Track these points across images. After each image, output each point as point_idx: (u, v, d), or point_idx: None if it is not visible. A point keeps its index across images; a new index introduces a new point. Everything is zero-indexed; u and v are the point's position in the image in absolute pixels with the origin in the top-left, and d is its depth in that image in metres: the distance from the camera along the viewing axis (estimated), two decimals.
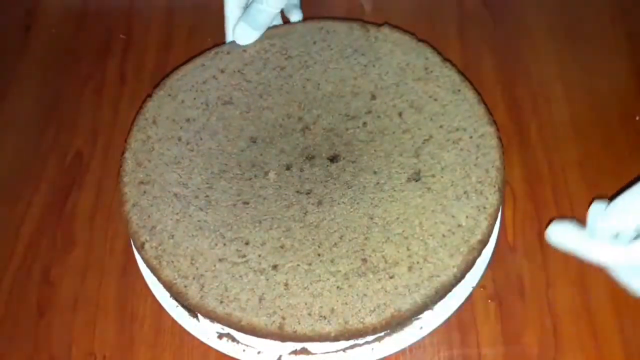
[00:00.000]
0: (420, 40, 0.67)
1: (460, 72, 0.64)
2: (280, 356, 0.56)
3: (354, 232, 0.55)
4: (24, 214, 0.69)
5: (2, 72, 0.81)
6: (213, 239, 0.56)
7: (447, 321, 0.57)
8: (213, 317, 0.53)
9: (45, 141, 0.74)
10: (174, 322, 0.59)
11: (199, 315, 0.57)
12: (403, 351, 0.57)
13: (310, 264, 0.54)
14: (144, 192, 0.59)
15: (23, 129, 0.76)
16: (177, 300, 0.56)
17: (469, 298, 0.58)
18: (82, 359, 0.61)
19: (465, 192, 0.57)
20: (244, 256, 0.55)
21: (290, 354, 0.56)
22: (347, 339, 0.53)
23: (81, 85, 0.78)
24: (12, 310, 0.64)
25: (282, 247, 0.55)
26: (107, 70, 0.79)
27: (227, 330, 0.56)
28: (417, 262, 0.53)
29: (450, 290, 0.54)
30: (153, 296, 0.60)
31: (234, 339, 0.57)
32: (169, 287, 0.55)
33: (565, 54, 0.76)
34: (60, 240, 0.67)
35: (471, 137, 0.60)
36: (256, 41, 0.68)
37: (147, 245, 0.56)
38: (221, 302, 0.53)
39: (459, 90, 0.63)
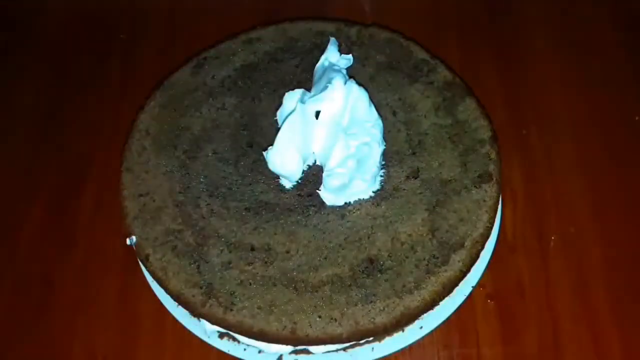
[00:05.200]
0: (408, 38, 0.67)
1: (450, 68, 0.65)
2: (281, 355, 0.56)
3: (358, 233, 0.56)
4: (25, 214, 0.69)
5: (3, 72, 0.80)
6: (218, 247, 0.55)
7: (447, 321, 0.58)
8: (224, 325, 0.53)
9: (45, 141, 0.74)
10: (175, 321, 0.59)
11: None
12: (403, 351, 0.57)
13: (317, 267, 0.54)
14: (144, 204, 0.58)
15: (24, 129, 0.75)
16: (186, 309, 0.55)
17: (469, 298, 0.58)
18: (82, 359, 0.60)
19: (464, 187, 0.57)
20: (251, 263, 0.54)
21: (291, 353, 0.56)
22: (359, 339, 0.53)
23: (82, 85, 0.78)
24: (13, 311, 0.63)
25: (287, 252, 0.55)
26: (107, 70, 0.79)
27: None
28: (423, 259, 0.54)
29: (457, 285, 0.55)
30: (154, 295, 0.60)
31: (235, 338, 0.57)
32: (176, 297, 0.55)
33: (564, 55, 0.77)
34: (60, 240, 0.67)
35: (466, 132, 0.61)
36: (244, 45, 0.68)
37: (151, 258, 0.55)
38: (231, 309, 0.53)
39: (450, 86, 0.64)
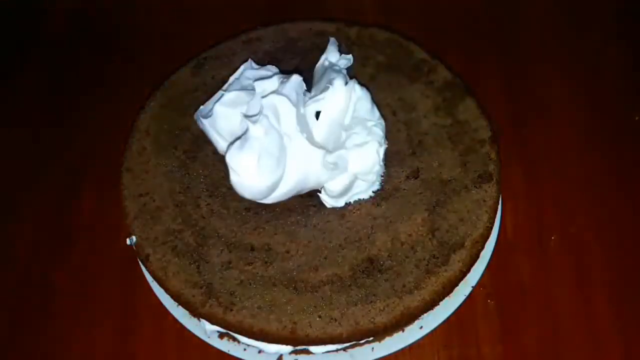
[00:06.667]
0: (408, 38, 0.67)
1: (450, 68, 0.65)
2: (281, 355, 0.56)
3: (358, 233, 0.56)
4: (24, 214, 0.69)
5: (3, 73, 0.80)
6: (218, 247, 0.55)
7: (447, 320, 0.58)
8: (223, 325, 0.53)
9: (45, 141, 0.74)
10: (174, 320, 0.59)
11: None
12: (403, 351, 0.57)
13: (317, 267, 0.54)
14: (144, 204, 0.58)
15: (24, 129, 0.75)
16: (186, 309, 0.55)
17: (469, 297, 0.58)
18: (82, 359, 0.60)
19: (464, 187, 0.57)
20: (251, 263, 0.54)
21: (291, 353, 0.56)
22: (359, 339, 0.53)
23: (82, 85, 0.78)
24: (13, 311, 0.63)
25: (287, 252, 0.55)
26: (107, 70, 0.79)
27: None
28: (423, 259, 0.54)
29: (457, 285, 0.55)
30: (154, 295, 0.60)
31: (235, 338, 0.57)
32: (176, 297, 0.54)
33: (565, 55, 0.77)
34: (60, 240, 0.67)
35: (466, 132, 0.61)
36: (244, 45, 0.68)
37: (151, 258, 0.55)
38: (231, 310, 0.53)
39: (450, 86, 0.64)
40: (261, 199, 0.55)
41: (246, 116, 0.54)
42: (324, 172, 0.54)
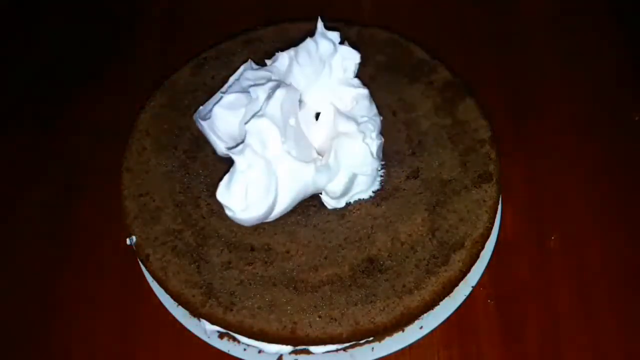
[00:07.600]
0: (408, 38, 0.67)
1: (450, 68, 0.65)
2: (281, 355, 0.56)
3: (358, 233, 0.56)
4: (24, 214, 0.69)
5: (3, 72, 0.80)
6: (218, 247, 0.55)
7: (447, 320, 0.58)
8: (223, 325, 0.53)
9: (46, 141, 0.74)
10: (174, 320, 0.59)
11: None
12: (403, 351, 0.57)
13: (317, 267, 0.54)
14: (144, 204, 0.58)
15: (24, 129, 0.75)
16: (186, 309, 0.55)
17: (469, 298, 0.58)
18: (82, 359, 0.60)
19: (464, 187, 0.57)
20: (251, 263, 0.54)
21: (291, 353, 0.56)
22: (359, 339, 0.53)
23: (82, 85, 0.78)
24: (13, 311, 0.63)
25: (287, 252, 0.55)
26: (107, 70, 0.79)
27: None
28: (423, 259, 0.54)
29: (457, 285, 0.55)
30: (154, 295, 0.60)
31: (235, 338, 0.57)
32: (176, 297, 0.54)
33: (564, 55, 0.77)
34: (60, 240, 0.67)
35: (466, 132, 0.61)
36: (244, 45, 0.68)
37: (151, 258, 0.55)
38: (231, 310, 0.52)
39: (450, 87, 0.64)
40: (263, 220, 0.55)
41: (229, 149, 0.54)
42: (320, 177, 0.54)
